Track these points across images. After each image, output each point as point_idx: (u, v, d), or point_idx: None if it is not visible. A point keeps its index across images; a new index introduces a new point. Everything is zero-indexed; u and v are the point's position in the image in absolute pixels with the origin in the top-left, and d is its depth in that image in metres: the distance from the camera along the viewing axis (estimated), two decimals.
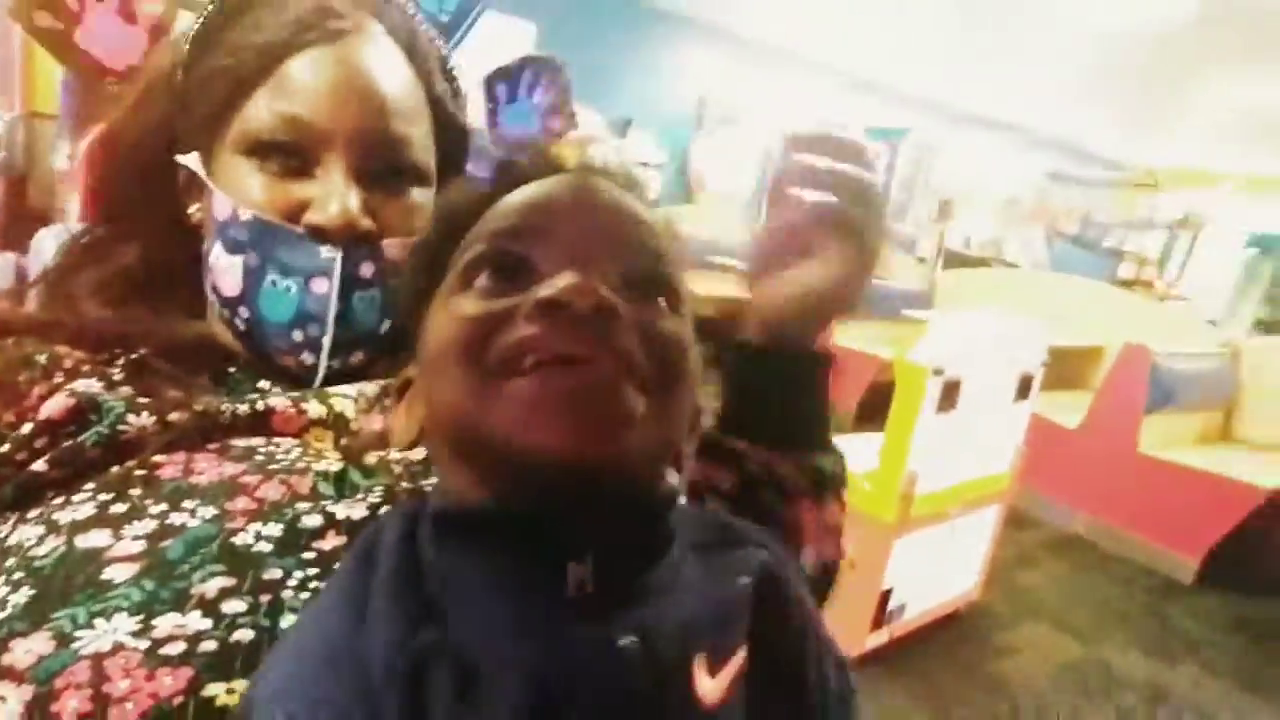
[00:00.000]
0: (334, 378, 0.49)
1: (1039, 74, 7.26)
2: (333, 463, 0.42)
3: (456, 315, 0.31)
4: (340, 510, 0.39)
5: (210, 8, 0.50)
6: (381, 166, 0.49)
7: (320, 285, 0.47)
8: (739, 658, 0.30)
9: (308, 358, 0.49)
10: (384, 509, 0.39)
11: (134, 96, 0.54)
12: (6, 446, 0.39)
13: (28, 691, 0.30)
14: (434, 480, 0.42)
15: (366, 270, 0.48)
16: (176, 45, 0.51)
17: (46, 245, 0.72)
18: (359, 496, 0.40)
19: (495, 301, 0.31)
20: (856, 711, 0.36)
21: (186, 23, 0.55)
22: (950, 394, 1.76)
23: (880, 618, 1.85)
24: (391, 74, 0.49)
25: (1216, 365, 3.18)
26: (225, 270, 0.48)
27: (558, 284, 0.29)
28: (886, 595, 1.84)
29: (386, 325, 0.50)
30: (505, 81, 2.33)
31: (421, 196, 0.51)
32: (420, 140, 0.51)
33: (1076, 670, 2.07)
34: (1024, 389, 1.99)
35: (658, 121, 6.71)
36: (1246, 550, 2.64)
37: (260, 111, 0.47)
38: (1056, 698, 1.93)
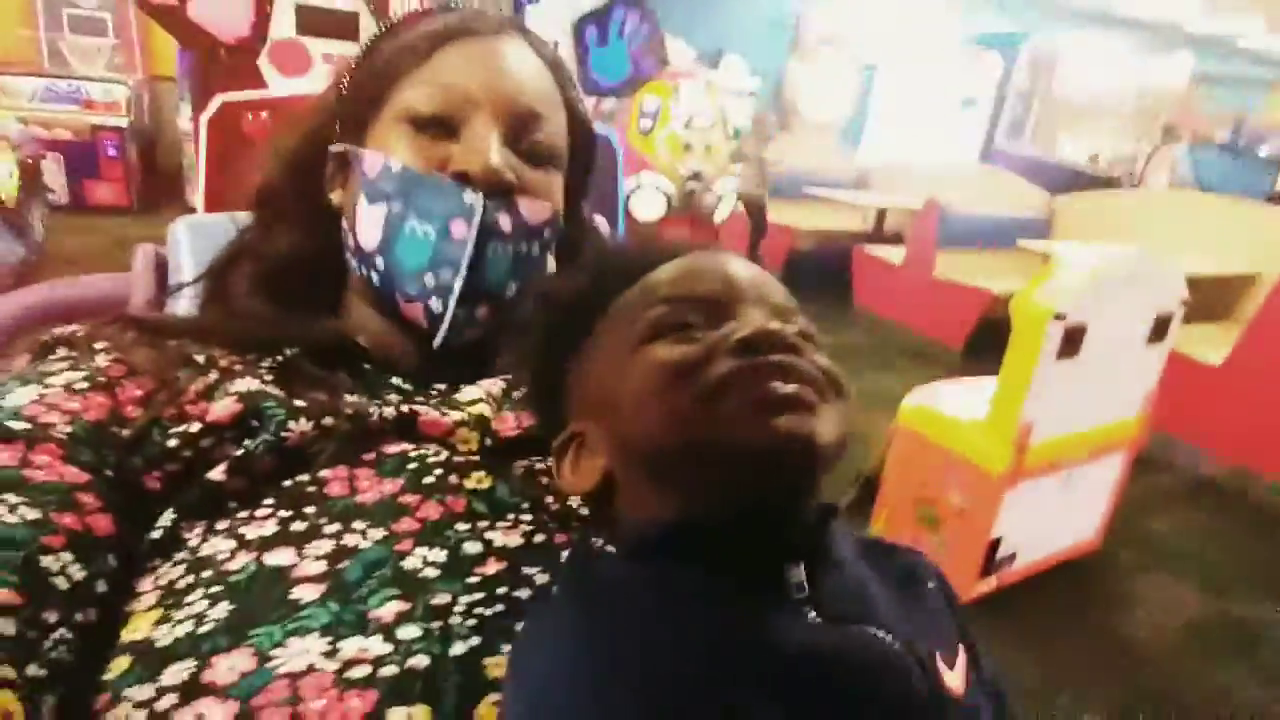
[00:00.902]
0: (455, 332, 0.51)
1: None
2: (483, 477, 0.44)
3: (659, 359, 0.35)
4: (498, 538, 0.41)
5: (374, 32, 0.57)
6: (523, 135, 0.52)
7: (459, 229, 0.49)
8: (964, 652, 0.35)
9: (436, 304, 0.50)
10: (537, 536, 0.42)
11: (301, 116, 0.59)
12: (174, 442, 0.42)
13: (231, 709, 0.31)
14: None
15: (504, 222, 0.50)
16: (341, 66, 0.57)
17: (182, 235, 0.75)
18: (510, 520, 0.43)
19: (689, 346, 0.35)
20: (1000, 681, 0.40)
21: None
22: (1073, 340, 1.64)
23: (988, 566, 1.80)
24: (531, 66, 0.55)
25: None
26: (368, 223, 0.51)
27: (750, 324, 0.35)
28: (995, 544, 1.78)
29: (514, 289, 0.52)
30: (595, 24, 2.28)
31: (554, 176, 0.55)
32: (557, 125, 0.55)
33: (1207, 625, 1.95)
34: (1159, 331, 1.82)
35: (751, 48, 6.40)
36: None
37: (414, 89, 0.52)
38: (1182, 652, 1.84)
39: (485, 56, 0.52)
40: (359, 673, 0.33)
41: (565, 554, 0.41)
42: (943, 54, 7.32)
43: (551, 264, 0.55)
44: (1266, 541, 2.41)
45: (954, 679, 0.32)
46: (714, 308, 0.37)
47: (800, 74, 6.93)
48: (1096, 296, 1.64)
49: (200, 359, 0.47)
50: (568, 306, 0.43)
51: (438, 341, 0.51)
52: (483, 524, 0.42)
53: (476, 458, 0.46)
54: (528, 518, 0.43)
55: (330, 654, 0.33)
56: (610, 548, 0.36)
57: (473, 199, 0.49)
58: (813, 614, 0.31)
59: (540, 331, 0.44)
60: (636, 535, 0.36)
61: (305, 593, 0.36)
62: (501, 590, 0.38)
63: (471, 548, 0.40)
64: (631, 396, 0.36)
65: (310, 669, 0.32)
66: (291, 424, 0.43)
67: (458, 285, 0.49)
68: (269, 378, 0.47)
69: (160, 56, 5.09)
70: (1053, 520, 1.93)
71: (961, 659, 0.34)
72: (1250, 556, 2.32)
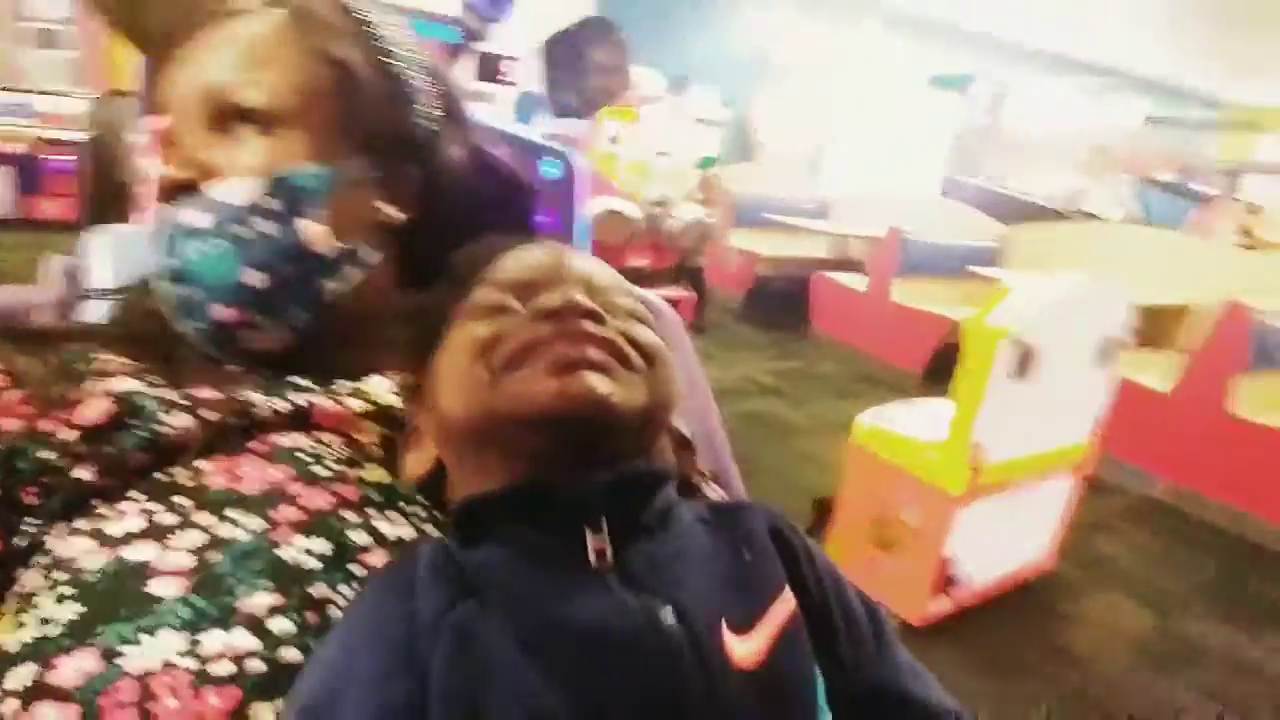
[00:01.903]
0: (223, 342, 0.47)
1: (1131, 10, 6.71)
2: (380, 471, 0.43)
3: (467, 335, 0.37)
4: (388, 529, 0.40)
5: None
6: (224, 117, 0.47)
7: (154, 250, 0.47)
8: (776, 615, 0.34)
9: (183, 324, 0.47)
10: (429, 527, 0.42)
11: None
12: (52, 455, 0.39)
13: (74, 712, 0.29)
14: None
15: (199, 220, 0.46)
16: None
17: (93, 247, 0.73)
18: (409, 512, 0.41)
19: (497, 320, 0.37)
20: (886, 622, 0.40)
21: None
22: (1025, 361, 1.68)
23: (941, 585, 1.81)
24: (246, 35, 0.49)
25: None
26: None
27: (553, 297, 0.37)
28: (949, 564, 1.80)
29: (257, 277, 0.46)
30: (564, 44, 2.31)
31: (268, 138, 0.48)
32: (268, 84, 0.48)
33: (1154, 642, 1.99)
34: (1108, 355, 1.88)
35: (717, 78, 6.53)
36: None
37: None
38: (1130, 669, 1.86)
39: (196, 55, 0.49)
40: (221, 669, 0.31)
41: None
42: (901, 91, 7.54)
43: (312, 228, 0.48)
44: (1210, 562, 2.47)
45: (743, 649, 0.31)
46: (532, 289, 0.39)
47: (766, 105, 7.09)
48: (1046, 319, 1.69)
49: (81, 366, 0.44)
50: (428, 315, 0.43)
51: (219, 354, 0.48)
52: (373, 513, 0.40)
53: (376, 448, 0.45)
54: (423, 512, 0.42)
55: (189, 651, 0.31)
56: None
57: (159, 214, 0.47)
58: (613, 583, 0.31)
59: (414, 344, 0.43)
60: (455, 515, 0.37)
61: (165, 587, 0.34)
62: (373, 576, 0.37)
63: (358, 538, 0.38)
64: (442, 376, 0.38)
65: (165, 667, 0.31)
66: (168, 417, 0.41)
67: (176, 301, 0.46)
68: (154, 379, 0.45)
69: (122, 70, 5.01)
70: (1006, 541, 1.95)
71: (771, 622, 0.33)
72: (1195, 576, 2.37)
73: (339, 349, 0.51)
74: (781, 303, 4.65)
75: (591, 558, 0.32)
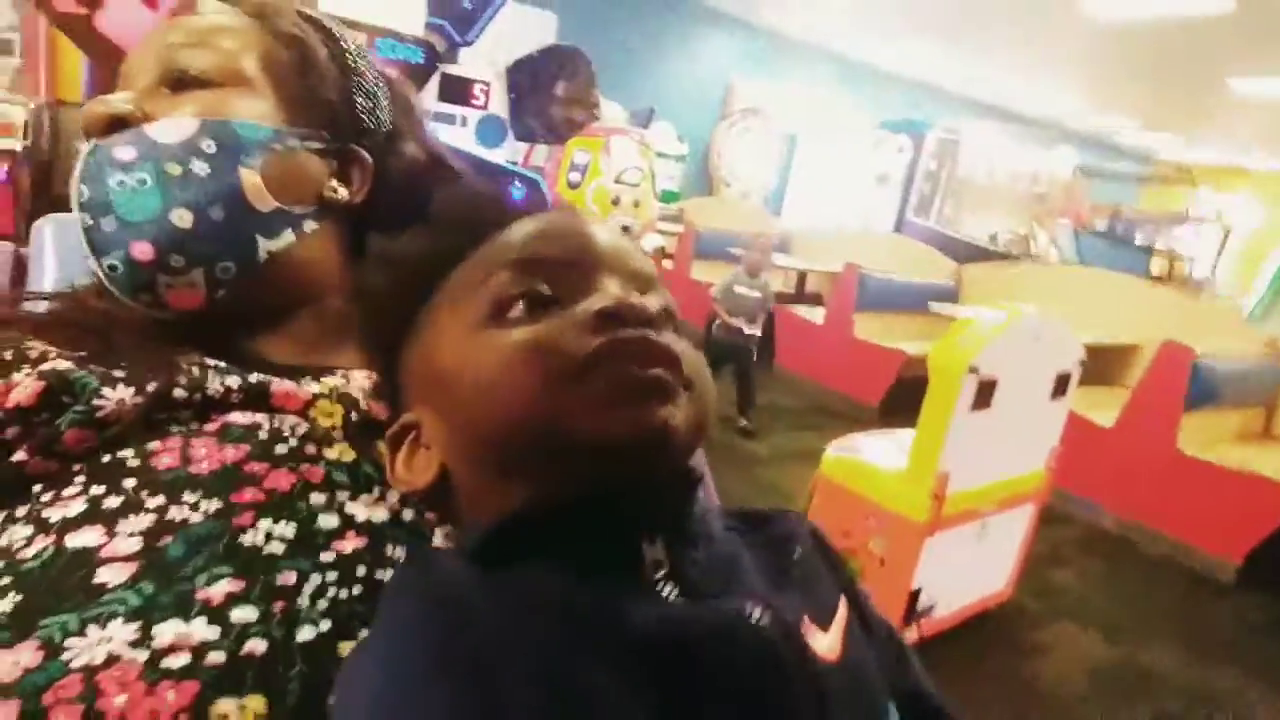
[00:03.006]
0: (137, 285, 0.44)
1: (1066, 67, 7.12)
2: (346, 450, 0.40)
3: (509, 342, 0.32)
4: (360, 511, 0.37)
5: None
6: (173, 75, 0.47)
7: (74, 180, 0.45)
8: (842, 613, 0.34)
9: (92, 263, 0.44)
10: (406, 513, 0.38)
11: None
12: None
13: (13, 708, 0.27)
14: None
15: (125, 153, 0.44)
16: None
17: (46, 235, 0.69)
18: (377, 495, 0.38)
19: (544, 324, 0.32)
20: (897, 630, 0.41)
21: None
22: (985, 392, 1.71)
23: (909, 616, 1.81)
24: (213, 14, 0.51)
25: (1259, 364, 3.09)
26: None
27: (609, 296, 0.33)
28: (916, 594, 1.80)
29: (182, 215, 0.44)
30: (528, 71, 2.31)
31: (213, 93, 0.47)
32: (217, 49, 0.48)
33: (1111, 671, 2.02)
34: (1060, 387, 1.93)
35: (680, 113, 6.66)
36: None
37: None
38: (1090, 699, 1.88)
39: (157, 29, 0.49)
40: (176, 662, 0.29)
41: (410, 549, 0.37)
42: (857, 133, 7.81)
43: (249, 178, 0.46)
44: (1159, 591, 2.54)
45: (826, 642, 0.31)
46: (566, 273, 0.34)
47: (727, 141, 7.25)
48: (1006, 351, 1.73)
49: (8, 354, 0.40)
50: (402, 270, 0.38)
51: (132, 300, 0.45)
52: (342, 495, 0.37)
53: (339, 431, 0.41)
54: (395, 494, 0.39)
55: (139, 642, 0.29)
56: (450, 546, 0.34)
57: (84, 147, 0.45)
58: (672, 592, 0.30)
59: (370, 300, 0.39)
60: (479, 534, 0.32)
61: (112, 575, 0.31)
62: (360, 571, 0.34)
63: (327, 521, 0.35)
64: (477, 380, 0.32)
65: (113, 660, 0.28)
66: (107, 391, 0.37)
67: (83, 232, 0.43)
68: (93, 365, 0.41)
69: (68, 80, 4.86)
70: (969, 570, 1.97)
71: (840, 618, 0.33)
72: (1146, 605, 2.43)
73: (283, 335, 0.49)
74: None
75: (649, 569, 0.30)
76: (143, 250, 0.43)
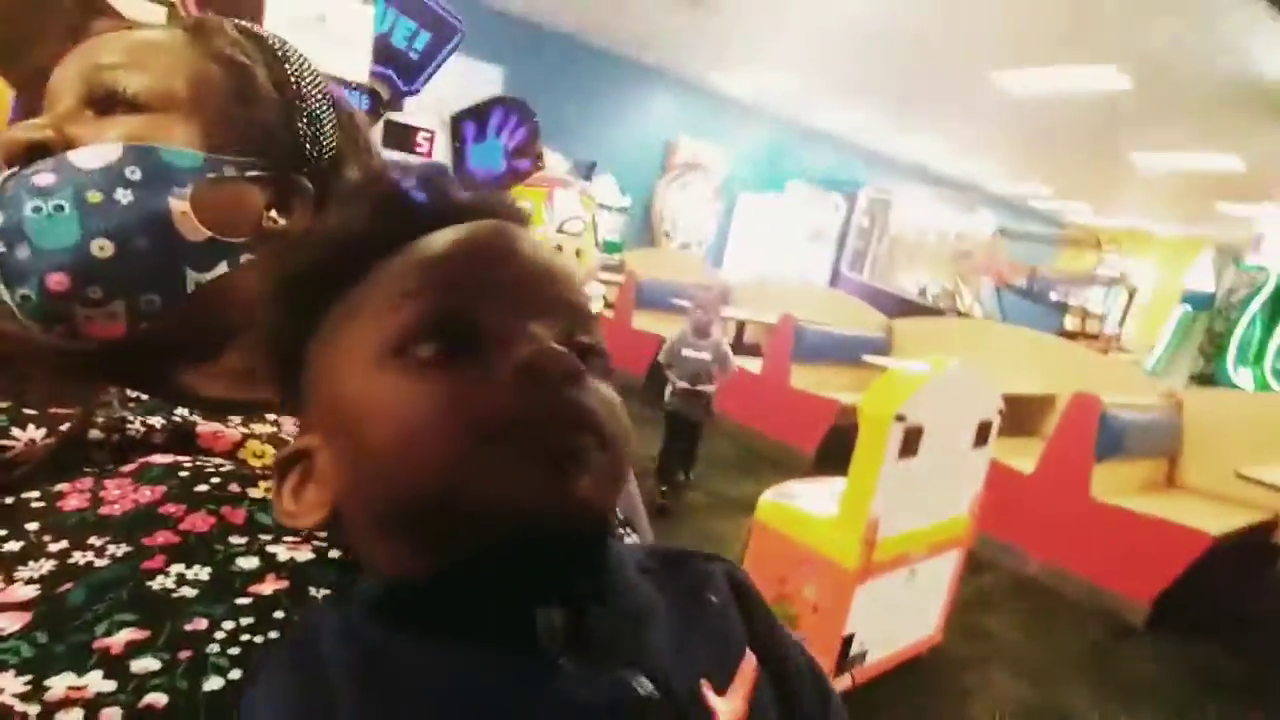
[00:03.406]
0: (49, 315, 0.42)
1: (984, 136, 7.62)
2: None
3: (418, 392, 0.29)
4: (282, 552, 0.35)
5: None
6: (99, 99, 0.46)
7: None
8: (747, 669, 0.31)
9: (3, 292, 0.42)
10: (333, 551, 0.36)
11: None
12: None
13: None
14: None
15: (44, 180, 0.42)
16: None
17: None
18: (303, 536, 0.36)
19: (459, 372, 0.29)
20: (826, 679, 0.38)
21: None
22: (912, 440, 1.78)
23: (841, 663, 1.83)
24: (146, 31, 0.49)
25: (1162, 415, 3.30)
26: None
27: (532, 347, 0.29)
28: (849, 640, 1.82)
29: (104, 245, 0.42)
30: (474, 121, 2.35)
31: (147, 118, 0.46)
32: (147, 72, 0.46)
33: (1034, 714, 2.07)
34: (982, 436, 2.02)
35: (623, 167, 6.82)
36: (1197, 593, 2.70)
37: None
38: None
39: (85, 45, 0.47)
40: (67, 717, 0.27)
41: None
42: (793, 190, 8.14)
43: (177, 206, 0.44)
44: (1079, 634, 2.63)
45: (726, 708, 0.29)
46: (489, 306, 0.31)
47: (668, 195, 7.45)
48: (930, 400, 1.80)
49: None
50: (304, 271, 0.34)
51: (45, 332, 0.43)
52: (265, 536, 0.35)
53: (267, 471, 0.39)
54: (324, 533, 0.36)
55: (30, 695, 0.27)
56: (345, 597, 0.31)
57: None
58: (567, 664, 0.27)
59: (269, 307, 0.35)
60: (371, 592, 0.30)
61: (6, 623, 0.29)
62: (278, 614, 0.32)
63: (246, 563, 0.33)
64: (379, 429, 0.29)
65: (4, 712, 0.26)
66: (16, 431, 0.36)
67: (7, 265, 0.41)
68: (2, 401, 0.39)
69: None
70: (900, 616, 2.00)
71: (745, 674, 0.31)
72: (1068, 648, 2.51)
73: (213, 368, 0.47)
74: None
75: (542, 637, 0.28)
76: (58, 281, 0.41)
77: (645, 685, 0.27)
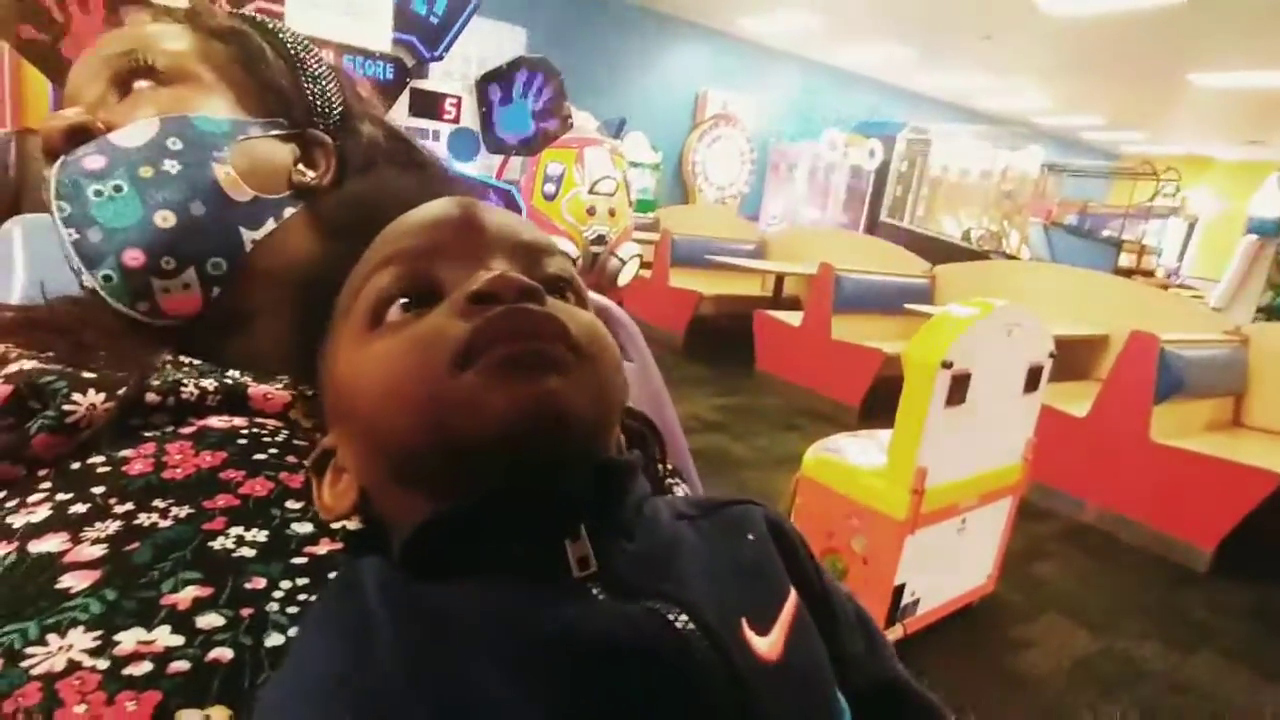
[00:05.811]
0: (136, 292, 0.45)
1: (1028, 66, 7.25)
2: None
3: (385, 353, 0.31)
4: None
5: None
6: (128, 79, 0.49)
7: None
8: (788, 609, 0.32)
9: (87, 280, 0.45)
10: None
11: None
12: None
13: None
14: None
15: (94, 162, 0.45)
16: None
17: (16, 236, 0.68)
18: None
19: (419, 323, 0.31)
20: (871, 621, 0.39)
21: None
22: (960, 387, 1.73)
23: (893, 613, 1.82)
24: (153, 22, 0.52)
25: (1225, 352, 3.16)
26: None
27: (481, 278, 0.31)
28: (899, 590, 1.81)
29: (165, 217, 0.45)
30: (499, 84, 2.31)
31: (169, 91, 0.49)
32: (163, 52, 0.49)
33: (1093, 662, 2.04)
34: (1033, 380, 1.96)
35: (653, 123, 6.70)
36: (1261, 536, 2.61)
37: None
38: (1074, 690, 1.90)
39: (93, 49, 0.50)
40: (137, 670, 0.28)
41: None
42: (828, 139, 7.91)
43: (221, 170, 0.47)
44: (1140, 581, 2.57)
45: (767, 643, 0.29)
46: (447, 264, 0.33)
47: (700, 149, 7.30)
48: (977, 345, 1.75)
49: None
50: (312, 280, 0.37)
51: (131, 310, 0.45)
52: None
53: (320, 435, 0.40)
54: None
55: (99, 650, 0.28)
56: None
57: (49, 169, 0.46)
58: (599, 592, 0.28)
59: (293, 318, 0.38)
60: (401, 541, 0.31)
61: (75, 581, 0.30)
62: (333, 575, 0.33)
63: (302, 528, 0.35)
64: (364, 392, 0.32)
65: (73, 668, 0.27)
66: (78, 397, 0.37)
67: (70, 247, 0.44)
68: (58, 361, 0.40)
69: (34, 108, 4.80)
70: (951, 565, 1.99)
71: (786, 615, 0.31)
72: (1128, 596, 2.46)
73: (258, 335, 0.49)
74: (723, 340, 4.72)
75: (573, 567, 0.28)
76: (133, 256, 0.44)
77: (681, 618, 0.28)
